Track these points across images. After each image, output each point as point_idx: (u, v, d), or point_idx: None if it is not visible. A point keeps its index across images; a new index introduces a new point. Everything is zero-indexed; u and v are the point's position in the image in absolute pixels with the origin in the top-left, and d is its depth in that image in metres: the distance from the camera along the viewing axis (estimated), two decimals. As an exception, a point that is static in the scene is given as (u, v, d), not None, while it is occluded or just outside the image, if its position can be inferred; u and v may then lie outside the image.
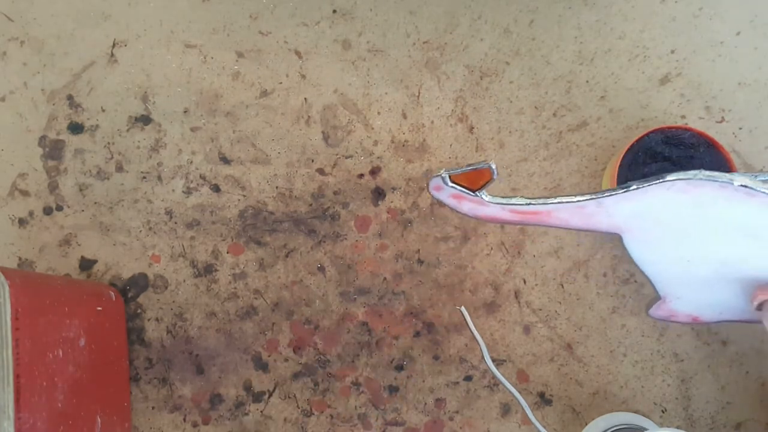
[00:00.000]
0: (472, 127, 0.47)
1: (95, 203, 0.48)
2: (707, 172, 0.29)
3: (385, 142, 0.47)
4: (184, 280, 0.47)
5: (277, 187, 0.47)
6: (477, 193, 0.32)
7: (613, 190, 0.31)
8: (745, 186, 0.29)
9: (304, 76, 0.48)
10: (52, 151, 0.49)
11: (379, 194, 0.47)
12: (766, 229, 0.31)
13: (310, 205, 0.47)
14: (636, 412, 0.44)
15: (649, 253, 0.34)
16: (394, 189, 0.47)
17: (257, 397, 0.47)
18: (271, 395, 0.47)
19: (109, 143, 0.48)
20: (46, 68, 0.49)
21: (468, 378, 0.46)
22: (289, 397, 0.47)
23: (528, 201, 0.32)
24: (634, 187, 0.30)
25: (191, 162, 0.48)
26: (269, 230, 0.47)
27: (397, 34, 0.47)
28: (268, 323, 0.47)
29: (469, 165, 0.31)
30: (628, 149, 0.41)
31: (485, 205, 0.32)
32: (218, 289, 0.47)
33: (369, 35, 0.48)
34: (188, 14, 0.48)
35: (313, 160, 0.47)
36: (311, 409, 0.46)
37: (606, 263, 0.46)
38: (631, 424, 0.43)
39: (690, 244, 0.32)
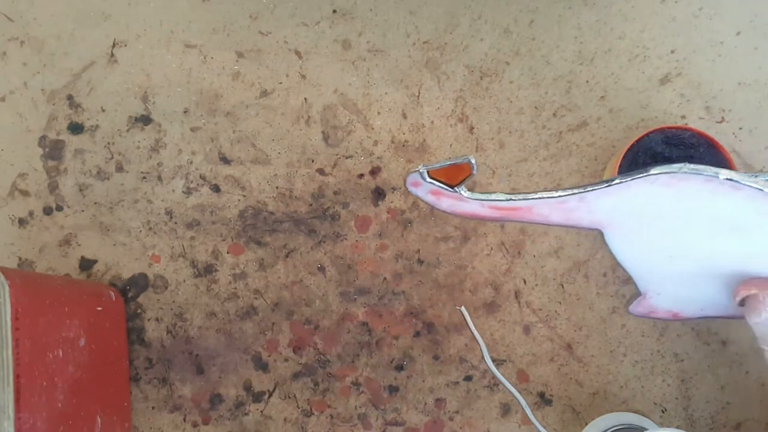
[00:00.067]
0: (472, 127, 0.47)
1: (95, 203, 0.48)
2: (692, 166, 0.28)
3: (385, 142, 0.47)
4: (184, 280, 0.47)
5: (277, 187, 0.47)
6: (456, 188, 0.31)
7: (596, 184, 0.30)
8: (731, 179, 0.28)
9: (304, 76, 0.48)
10: (52, 151, 0.49)
11: (379, 194, 0.47)
12: (750, 223, 0.30)
13: (310, 205, 0.47)
14: (636, 412, 0.44)
15: (631, 249, 0.33)
16: (394, 189, 0.47)
17: (257, 397, 0.47)
18: (271, 395, 0.47)
19: (109, 143, 0.48)
20: (46, 68, 0.49)
21: (468, 378, 0.46)
22: (289, 397, 0.47)
23: (508, 197, 0.31)
24: (617, 181, 0.30)
25: (191, 162, 0.48)
26: (269, 230, 0.47)
27: (397, 34, 0.47)
28: (268, 323, 0.47)
29: (448, 160, 0.31)
30: (628, 149, 0.41)
31: (464, 201, 0.31)
32: (218, 289, 0.47)
33: (369, 35, 0.48)
34: (188, 14, 0.48)
35: (313, 160, 0.47)
36: (311, 409, 0.46)
37: (606, 263, 0.46)
38: (631, 424, 0.43)
39: (672, 239, 0.32)
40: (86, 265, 0.48)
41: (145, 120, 0.48)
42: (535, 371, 0.46)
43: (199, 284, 0.47)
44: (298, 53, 0.48)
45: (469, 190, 0.31)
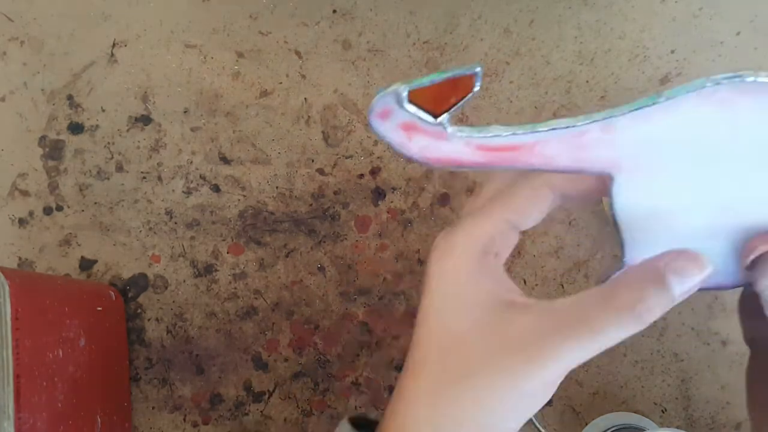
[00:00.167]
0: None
1: (95, 203, 0.48)
2: (764, 73, 0.23)
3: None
4: (184, 280, 0.47)
5: (277, 187, 0.47)
6: (439, 119, 0.23)
7: (632, 104, 0.24)
8: None
9: (304, 76, 0.48)
10: (52, 151, 0.49)
11: (379, 194, 0.47)
12: None
13: (310, 205, 0.47)
14: (636, 412, 0.44)
15: (643, 200, 0.27)
16: (394, 189, 0.47)
17: (257, 397, 0.47)
18: (271, 395, 0.47)
19: (109, 143, 0.48)
20: (46, 68, 0.49)
21: (468, 378, 0.46)
22: (289, 397, 0.47)
23: (510, 130, 0.24)
24: (663, 98, 0.23)
25: (191, 162, 0.48)
26: (269, 230, 0.47)
27: (397, 34, 0.47)
28: (268, 323, 0.47)
29: (443, 72, 0.23)
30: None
31: (446, 141, 0.24)
32: (218, 289, 0.47)
33: (369, 35, 0.48)
34: (188, 14, 0.48)
35: (313, 160, 0.47)
36: (311, 409, 0.46)
37: (606, 263, 0.46)
38: (631, 424, 0.43)
39: (698, 182, 0.26)
40: (86, 265, 0.48)
41: (145, 120, 0.48)
42: (535, 371, 0.46)
43: (199, 284, 0.47)
44: (298, 53, 0.48)
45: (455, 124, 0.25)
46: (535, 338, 0.26)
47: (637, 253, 0.29)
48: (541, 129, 0.24)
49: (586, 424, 0.44)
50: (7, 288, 0.34)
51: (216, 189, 0.48)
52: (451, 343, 0.27)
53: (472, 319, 0.27)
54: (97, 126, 0.48)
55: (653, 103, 0.24)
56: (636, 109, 0.24)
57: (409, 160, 0.25)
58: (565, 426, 0.45)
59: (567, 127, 0.24)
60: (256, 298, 0.47)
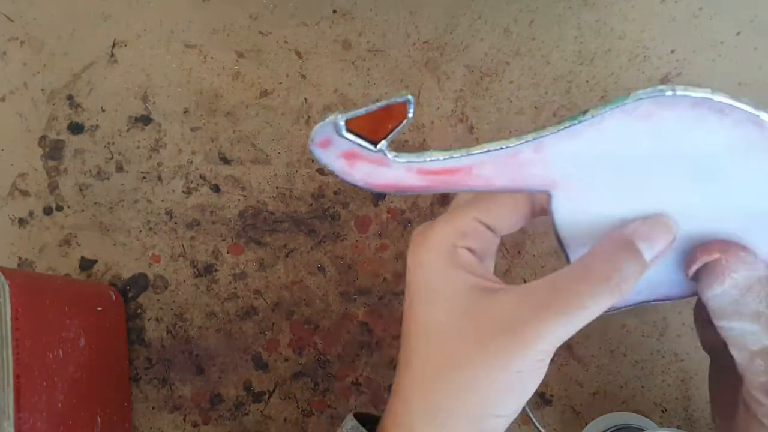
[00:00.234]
0: (472, 127, 0.47)
1: (95, 203, 0.48)
2: (679, 87, 0.24)
3: (385, 142, 0.47)
4: (184, 280, 0.47)
5: (277, 187, 0.47)
6: (379, 146, 0.24)
7: (559, 124, 0.25)
8: (723, 102, 0.24)
9: (304, 76, 0.48)
10: (52, 151, 0.49)
11: (379, 194, 0.47)
12: (730, 164, 0.26)
13: (310, 205, 0.47)
14: (636, 412, 0.44)
15: (581, 212, 0.28)
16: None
17: (257, 397, 0.47)
18: (271, 395, 0.47)
19: (109, 143, 0.48)
20: (46, 68, 0.49)
21: (468, 378, 0.46)
22: (289, 397, 0.47)
23: (447, 154, 0.25)
24: (589, 116, 0.24)
25: (191, 162, 0.48)
26: (269, 230, 0.47)
27: (397, 34, 0.47)
28: (268, 323, 0.47)
29: (377, 102, 0.23)
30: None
31: (387, 167, 0.25)
32: (218, 289, 0.47)
33: (369, 35, 0.48)
34: (188, 14, 0.48)
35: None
36: (311, 409, 0.46)
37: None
38: (631, 424, 0.43)
39: (632, 194, 0.27)
40: (86, 265, 0.48)
41: (145, 120, 0.48)
42: (535, 371, 0.46)
43: (199, 284, 0.47)
44: (298, 53, 0.48)
45: (395, 150, 0.25)
46: (520, 317, 0.26)
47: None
48: (475, 152, 0.25)
49: (586, 424, 0.44)
50: (7, 288, 0.34)
51: (216, 189, 0.48)
52: (436, 334, 0.28)
53: (454, 308, 0.27)
54: (97, 126, 0.48)
55: (578, 122, 0.24)
56: (562, 129, 0.24)
57: (354, 186, 0.25)
58: (565, 426, 0.45)
59: (499, 148, 0.25)
60: (256, 298, 0.47)
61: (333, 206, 0.47)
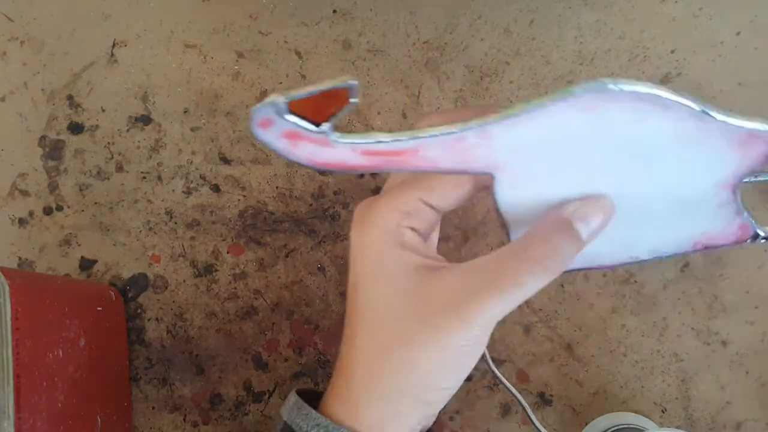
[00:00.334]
0: (472, 127, 0.47)
1: (95, 203, 0.48)
2: (623, 80, 0.24)
3: (385, 142, 0.47)
4: (184, 280, 0.47)
5: (277, 187, 0.47)
6: (322, 127, 0.23)
7: (504, 112, 0.25)
8: (669, 98, 0.25)
9: (304, 76, 0.48)
10: (52, 151, 0.49)
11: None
12: (664, 150, 0.27)
13: (310, 205, 0.47)
14: (636, 412, 0.44)
15: (522, 195, 0.28)
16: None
17: (257, 397, 0.47)
18: (271, 395, 0.47)
19: (109, 143, 0.48)
20: (46, 68, 0.49)
21: (468, 378, 0.46)
22: (289, 397, 0.47)
23: (393, 137, 0.25)
24: (533, 105, 0.24)
25: (191, 162, 0.48)
26: (269, 230, 0.47)
27: (397, 34, 0.47)
28: (268, 323, 0.47)
29: (318, 85, 0.22)
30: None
31: (330, 147, 0.24)
32: (218, 289, 0.47)
33: (369, 35, 0.48)
34: (188, 14, 0.48)
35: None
36: (311, 409, 0.46)
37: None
38: (631, 424, 0.43)
39: (571, 179, 0.28)
40: (86, 265, 0.48)
41: (145, 120, 0.48)
42: (535, 371, 0.46)
43: (199, 284, 0.47)
44: (298, 53, 0.48)
45: (337, 130, 0.24)
46: (462, 295, 0.27)
47: (521, 234, 0.30)
48: (421, 135, 0.25)
49: (586, 424, 0.44)
50: (7, 288, 0.34)
51: (216, 189, 0.48)
52: (380, 312, 0.29)
53: (398, 287, 0.28)
54: (97, 126, 0.48)
55: (521, 111, 0.25)
56: (506, 118, 0.25)
57: (297, 164, 0.25)
58: (565, 426, 0.45)
59: (445, 133, 0.25)
60: (256, 298, 0.47)
61: (333, 206, 0.47)
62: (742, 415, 0.44)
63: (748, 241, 0.30)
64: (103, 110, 0.48)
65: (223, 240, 0.47)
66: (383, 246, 0.29)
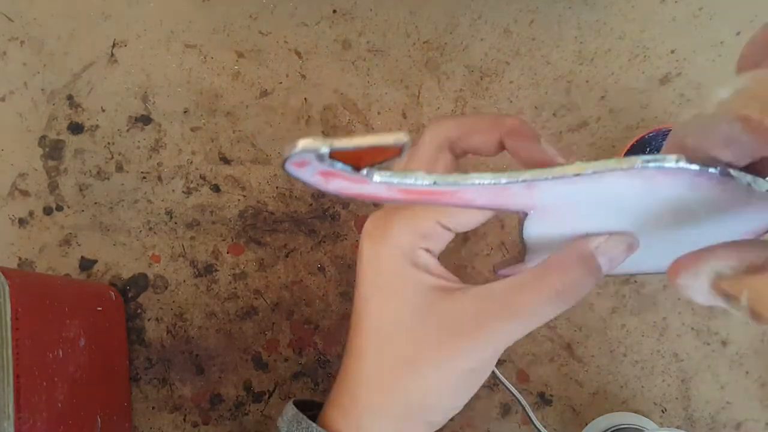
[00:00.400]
0: (472, 127, 0.47)
1: (95, 203, 0.48)
2: (685, 161, 0.23)
3: (385, 142, 0.47)
4: (184, 280, 0.47)
5: (277, 187, 0.47)
6: (363, 171, 0.22)
7: (559, 172, 0.24)
8: (726, 174, 0.24)
9: (304, 76, 0.48)
10: (52, 151, 0.49)
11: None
12: (705, 212, 0.27)
13: (310, 205, 0.47)
14: (636, 412, 0.44)
15: (551, 229, 0.28)
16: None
17: (257, 397, 0.47)
18: (271, 395, 0.47)
19: (109, 143, 0.48)
20: (46, 68, 0.49)
21: (468, 378, 0.46)
22: (289, 397, 0.47)
23: (433, 179, 0.23)
24: (590, 171, 0.23)
25: (191, 162, 0.48)
26: (269, 230, 0.47)
27: (397, 34, 0.47)
28: (268, 323, 0.47)
29: (367, 137, 0.21)
30: (628, 149, 0.41)
31: (367, 184, 0.23)
32: (218, 289, 0.47)
33: (369, 35, 0.48)
34: (188, 14, 0.48)
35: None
36: (311, 409, 0.46)
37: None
38: (631, 424, 0.43)
39: (604, 221, 0.28)
40: (86, 265, 0.48)
41: (145, 120, 0.48)
42: (535, 371, 0.46)
43: (199, 284, 0.47)
44: (298, 53, 0.48)
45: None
46: (477, 320, 0.27)
47: (538, 258, 0.30)
48: (465, 183, 0.24)
49: (586, 424, 0.44)
50: (7, 288, 0.34)
51: (216, 189, 0.48)
52: (392, 330, 0.28)
53: (411, 307, 0.28)
54: (97, 126, 0.48)
55: (577, 175, 0.24)
56: (559, 178, 0.24)
57: (326, 193, 0.24)
58: (565, 426, 0.45)
59: (490, 183, 0.24)
60: (256, 298, 0.47)
61: (333, 206, 0.47)
62: (742, 415, 0.44)
63: None
64: (103, 110, 0.48)
65: (223, 240, 0.47)
66: (398, 264, 0.29)
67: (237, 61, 0.48)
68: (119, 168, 0.48)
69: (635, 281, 0.45)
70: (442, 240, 0.29)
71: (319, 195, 0.47)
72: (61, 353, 0.38)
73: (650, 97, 0.46)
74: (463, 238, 0.46)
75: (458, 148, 0.30)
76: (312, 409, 0.32)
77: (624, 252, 0.27)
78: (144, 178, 0.48)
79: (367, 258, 0.30)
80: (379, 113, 0.47)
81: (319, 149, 0.20)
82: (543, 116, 0.47)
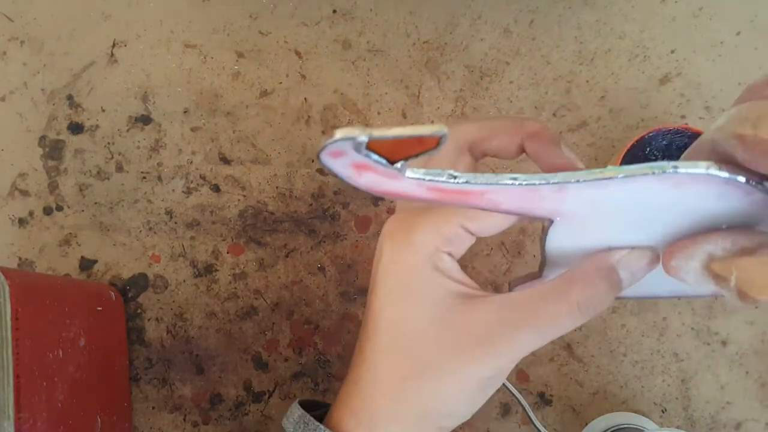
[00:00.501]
0: (472, 127, 0.47)
1: (95, 203, 0.48)
2: (716, 167, 0.23)
3: (385, 142, 0.47)
4: (184, 280, 0.47)
5: (277, 187, 0.47)
6: (397, 165, 0.22)
7: (589, 175, 0.24)
8: (755, 184, 0.24)
9: (304, 76, 0.48)
10: (52, 151, 0.49)
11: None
12: (730, 218, 0.26)
13: (310, 205, 0.47)
14: (636, 412, 0.44)
15: (574, 239, 0.28)
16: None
17: (257, 397, 0.47)
18: (271, 395, 0.47)
19: (109, 143, 0.48)
20: (46, 68, 0.49)
21: (468, 378, 0.46)
22: (289, 397, 0.47)
23: (465, 178, 0.23)
24: (622, 175, 0.24)
25: (191, 162, 0.48)
26: (269, 230, 0.47)
27: (397, 34, 0.47)
28: (268, 323, 0.47)
29: (407, 128, 0.21)
30: (628, 149, 0.41)
31: (398, 180, 0.23)
32: (218, 289, 0.47)
33: (369, 35, 0.48)
34: (188, 14, 0.48)
35: (313, 160, 0.47)
36: (311, 409, 0.46)
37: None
38: (631, 424, 0.43)
39: (629, 232, 0.28)
40: (86, 265, 0.48)
41: (145, 120, 0.48)
42: (535, 371, 0.46)
43: (199, 284, 0.47)
44: (298, 53, 0.48)
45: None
46: (497, 329, 0.27)
47: (555, 273, 0.30)
48: (500, 182, 0.24)
49: (586, 424, 0.44)
50: (7, 288, 0.34)
51: (216, 189, 0.48)
52: (411, 336, 0.28)
53: (431, 313, 0.28)
54: (97, 126, 0.48)
55: (610, 178, 0.24)
56: (593, 180, 0.24)
57: (353, 187, 0.24)
58: (565, 426, 0.45)
59: (522, 183, 0.24)
60: (256, 298, 0.47)
61: (333, 206, 0.47)
62: (742, 415, 0.44)
63: None
64: (103, 110, 0.48)
65: (223, 240, 0.47)
66: (419, 269, 0.28)
67: (237, 61, 0.48)
68: (119, 168, 0.48)
69: (635, 281, 0.45)
70: (464, 245, 0.29)
71: (319, 195, 0.47)
72: (61, 353, 0.38)
73: (650, 97, 0.46)
74: (463, 238, 0.46)
75: (477, 151, 0.30)
76: (316, 410, 0.31)
77: (646, 266, 0.27)
78: (144, 178, 0.48)
79: (387, 260, 0.29)
80: (379, 113, 0.47)
81: (358, 137, 0.20)
82: (543, 116, 0.47)
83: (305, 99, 0.48)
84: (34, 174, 0.48)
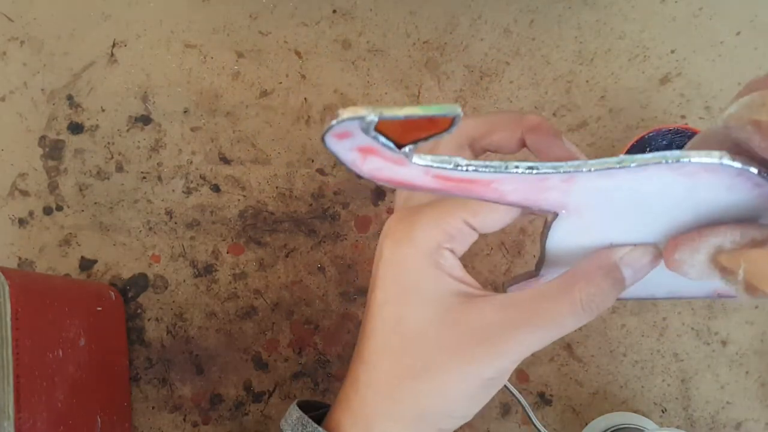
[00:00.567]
0: (472, 127, 0.47)
1: (95, 203, 0.48)
2: (729, 157, 0.23)
3: (385, 142, 0.47)
4: (184, 280, 0.47)
5: (277, 187, 0.47)
6: (405, 149, 0.21)
7: (599, 164, 0.23)
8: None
9: (304, 76, 0.48)
10: (52, 151, 0.49)
11: (379, 194, 0.47)
12: (737, 212, 0.26)
13: (310, 205, 0.47)
14: (636, 412, 0.45)
15: (575, 236, 0.27)
16: (394, 189, 0.47)
17: (257, 397, 0.47)
18: (271, 395, 0.47)
19: (109, 143, 0.48)
20: (46, 68, 0.49)
21: (468, 378, 0.46)
22: (289, 397, 0.47)
23: (473, 165, 0.22)
24: (634, 164, 0.23)
25: (191, 162, 0.48)
26: (269, 230, 0.47)
27: (397, 34, 0.47)
28: (268, 323, 0.47)
29: (419, 107, 0.19)
30: (628, 149, 0.41)
31: (404, 166, 0.22)
32: (218, 289, 0.47)
33: (369, 35, 0.48)
34: (188, 14, 0.48)
35: (313, 160, 0.47)
36: (311, 409, 0.46)
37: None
38: (631, 424, 0.43)
39: (634, 227, 0.27)
40: (86, 265, 0.48)
41: (145, 120, 0.48)
42: (535, 371, 0.46)
43: (199, 284, 0.47)
44: (298, 53, 0.48)
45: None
46: (498, 329, 0.26)
47: (552, 273, 0.30)
48: (505, 170, 0.23)
49: (586, 424, 0.44)
50: (7, 288, 0.34)
51: (216, 189, 0.48)
52: (410, 335, 0.28)
53: (429, 311, 0.27)
54: (97, 126, 0.48)
55: (621, 167, 0.23)
56: (603, 169, 0.23)
57: (356, 175, 0.23)
58: (565, 426, 0.45)
59: (530, 171, 0.23)
60: (256, 298, 0.47)
61: (333, 206, 0.47)
62: (742, 415, 0.44)
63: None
64: (103, 110, 0.48)
65: (223, 240, 0.47)
66: (420, 266, 0.28)
67: (237, 61, 0.48)
68: (119, 168, 0.48)
69: (635, 281, 0.45)
70: (466, 241, 0.29)
71: (319, 195, 0.47)
72: (61, 353, 0.38)
73: (650, 97, 0.46)
74: (463, 238, 0.46)
75: (478, 146, 0.30)
76: (315, 410, 0.31)
77: (649, 263, 0.27)
78: (144, 178, 0.48)
79: (387, 258, 0.29)
80: (379, 113, 0.47)
81: (367, 117, 0.19)
82: (543, 116, 0.47)
83: (305, 99, 0.48)
84: (34, 174, 0.48)
